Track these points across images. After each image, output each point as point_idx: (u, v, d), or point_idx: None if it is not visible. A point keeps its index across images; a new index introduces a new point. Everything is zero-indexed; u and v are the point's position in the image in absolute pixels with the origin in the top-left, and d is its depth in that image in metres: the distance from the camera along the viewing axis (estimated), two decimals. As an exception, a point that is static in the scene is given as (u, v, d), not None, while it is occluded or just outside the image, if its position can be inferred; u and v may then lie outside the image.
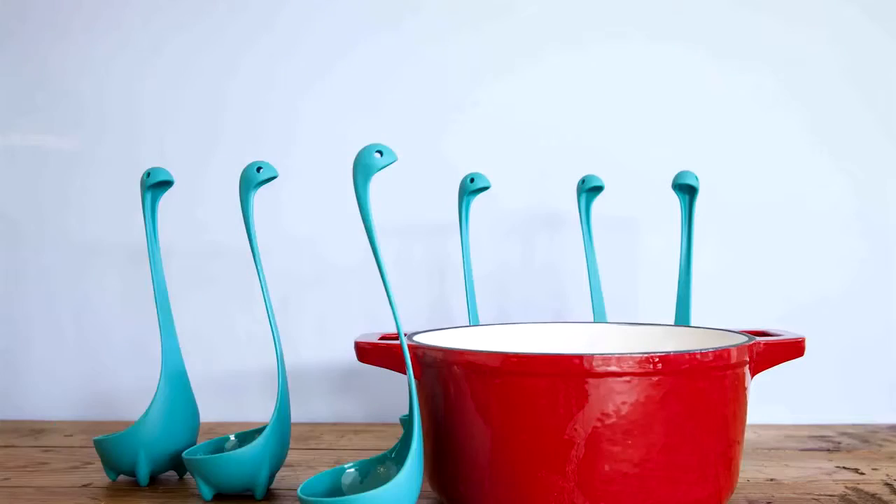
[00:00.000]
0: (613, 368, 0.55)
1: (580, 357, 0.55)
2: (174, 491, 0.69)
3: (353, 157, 0.57)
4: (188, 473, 0.73)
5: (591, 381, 0.55)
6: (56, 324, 1.00)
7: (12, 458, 0.81)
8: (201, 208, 0.99)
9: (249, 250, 0.68)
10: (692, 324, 0.81)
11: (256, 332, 0.98)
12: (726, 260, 0.96)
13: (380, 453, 0.62)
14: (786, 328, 0.95)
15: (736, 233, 0.96)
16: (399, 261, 0.97)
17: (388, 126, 0.97)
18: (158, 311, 0.73)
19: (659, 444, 0.56)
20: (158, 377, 0.72)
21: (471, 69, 0.98)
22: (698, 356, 0.57)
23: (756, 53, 0.96)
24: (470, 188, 0.84)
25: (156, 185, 0.72)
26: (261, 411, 0.94)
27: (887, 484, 0.69)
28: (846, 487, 0.68)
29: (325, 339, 0.98)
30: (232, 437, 0.72)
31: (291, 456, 0.79)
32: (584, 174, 0.85)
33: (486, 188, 0.84)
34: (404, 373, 0.60)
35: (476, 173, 0.84)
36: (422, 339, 0.67)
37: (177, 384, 0.73)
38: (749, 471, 0.74)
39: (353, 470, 0.61)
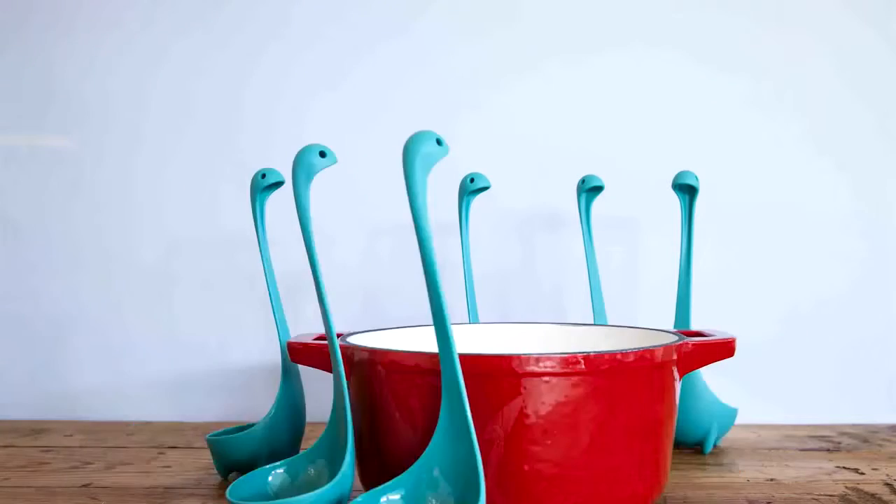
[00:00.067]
0: (533, 368, 0.54)
1: (499, 357, 0.55)
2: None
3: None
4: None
5: (511, 381, 0.54)
6: (56, 324, 1.00)
7: (12, 458, 0.81)
8: (204, 209, 0.99)
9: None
10: (692, 324, 0.81)
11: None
12: (726, 260, 0.96)
13: (299, 453, 0.63)
14: (786, 328, 0.96)
15: (736, 233, 0.96)
16: (399, 261, 0.97)
17: (390, 126, 0.96)
18: (274, 311, 0.74)
19: (581, 444, 0.56)
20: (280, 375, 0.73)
21: (473, 73, 0.98)
22: (619, 356, 0.56)
23: (754, 56, 0.96)
24: (470, 188, 0.84)
25: (270, 186, 0.73)
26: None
27: (887, 484, 0.69)
28: (846, 487, 0.68)
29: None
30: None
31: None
32: (584, 174, 0.85)
33: (486, 188, 0.85)
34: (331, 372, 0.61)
35: (476, 173, 0.84)
36: (354, 339, 0.67)
37: (293, 381, 0.74)
38: (749, 471, 0.73)
39: (281, 470, 0.61)
